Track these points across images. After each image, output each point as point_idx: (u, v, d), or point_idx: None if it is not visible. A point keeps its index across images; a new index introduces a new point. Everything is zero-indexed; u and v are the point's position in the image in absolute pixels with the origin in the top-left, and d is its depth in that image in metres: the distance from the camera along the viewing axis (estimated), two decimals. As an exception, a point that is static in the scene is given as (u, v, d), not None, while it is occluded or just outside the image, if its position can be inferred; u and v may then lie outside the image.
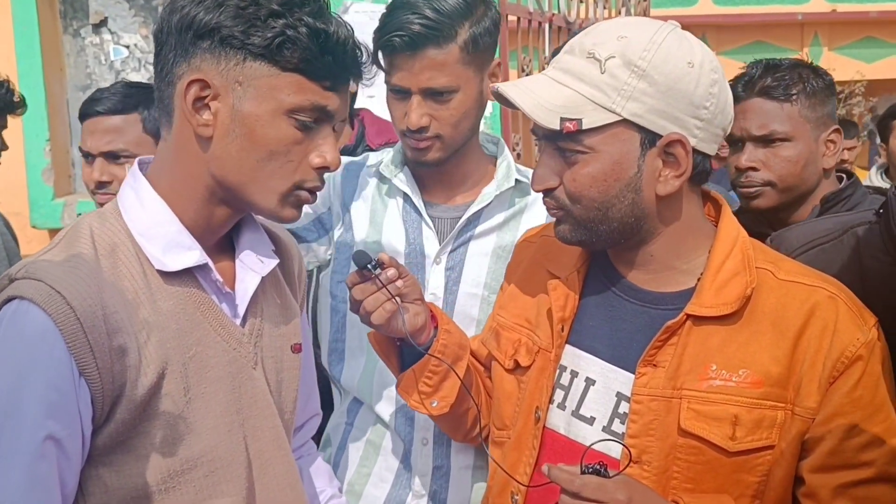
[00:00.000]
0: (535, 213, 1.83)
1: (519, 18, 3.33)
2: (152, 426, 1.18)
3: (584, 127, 1.25)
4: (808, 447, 1.30)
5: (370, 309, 1.46)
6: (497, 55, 1.80)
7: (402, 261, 1.79)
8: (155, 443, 1.19)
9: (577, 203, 1.31)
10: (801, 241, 1.65)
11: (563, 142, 1.28)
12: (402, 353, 1.60)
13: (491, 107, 3.25)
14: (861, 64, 10.54)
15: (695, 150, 1.30)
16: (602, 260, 1.43)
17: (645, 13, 4.68)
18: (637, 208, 1.31)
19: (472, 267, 1.79)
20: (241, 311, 1.30)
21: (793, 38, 10.48)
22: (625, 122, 1.26)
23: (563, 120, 1.25)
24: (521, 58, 3.32)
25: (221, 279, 1.27)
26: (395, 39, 1.64)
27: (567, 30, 3.78)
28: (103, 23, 3.99)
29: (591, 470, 1.22)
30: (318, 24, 1.17)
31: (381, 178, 1.85)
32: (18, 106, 2.83)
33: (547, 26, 3.48)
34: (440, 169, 1.79)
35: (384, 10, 1.72)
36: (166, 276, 1.22)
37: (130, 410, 1.16)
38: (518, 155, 3.39)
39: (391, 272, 1.47)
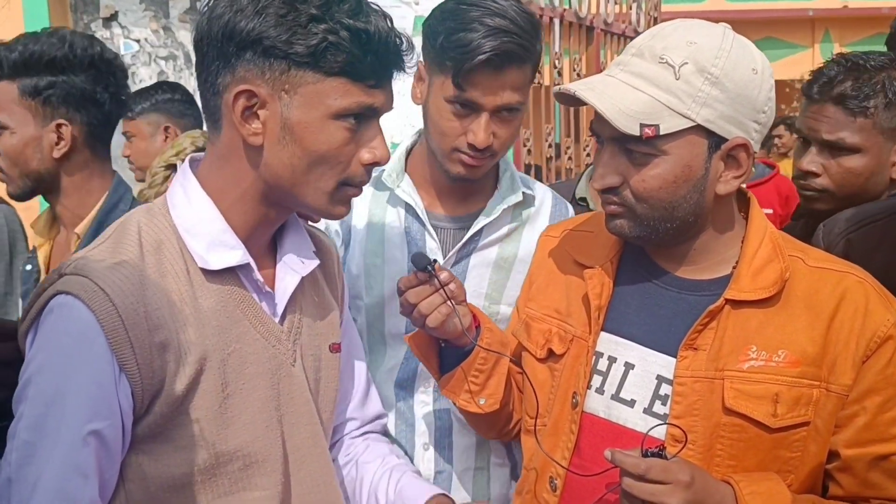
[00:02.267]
0: (538, 225, 1.82)
1: (530, 13, 3.33)
2: (190, 419, 1.21)
3: (661, 132, 1.30)
4: (842, 423, 1.36)
5: (426, 312, 1.48)
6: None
7: (404, 272, 1.76)
8: (192, 435, 1.21)
9: (644, 203, 1.36)
10: (853, 220, 1.69)
11: (634, 144, 1.33)
12: (442, 356, 1.62)
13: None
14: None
15: None
16: (635, 250, 1.48)
17: (656, 8, 4.67)
18: (699, 207, 1.37)
19: (474, 278, 1.78)
20: (280, 309, 1.32)
21: (804, 34, 10.46)
22: (697, 128, 1.31)
23: (642, 126, 1.29)
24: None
25: (262, 279, 1.29)
26: (485, 58, 1.59)
27: (578, 25, 3.77)
28: (114, 17, 3.99)
29: (652, 453, 1.27)
30: (358, 24, 1.18)
31: (378, 186, 1.81)
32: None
33: (558, 21, 3.47)
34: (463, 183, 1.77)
35: (446, 11, 1.67)
36: (209, 273, 1.24)
37: (169, 404, 1.19)
38: (529, 151, 3.39)
39: (444, 275, 1.49)
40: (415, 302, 1.48)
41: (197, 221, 1.25)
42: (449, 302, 1.48)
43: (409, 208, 1.80)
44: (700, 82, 1.30)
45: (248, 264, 1.27)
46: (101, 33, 4.00)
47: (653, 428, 1.33)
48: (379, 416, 1.61)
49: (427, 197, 1.81)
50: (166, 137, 3.15)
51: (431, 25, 1.69)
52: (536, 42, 1.67)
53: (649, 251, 1.47)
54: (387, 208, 1.81)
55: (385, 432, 1.64)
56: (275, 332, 1.30)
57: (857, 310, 1.35)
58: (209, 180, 1.28)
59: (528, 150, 3.34)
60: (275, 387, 1.29)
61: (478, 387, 1.58)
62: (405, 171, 1.82)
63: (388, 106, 1.27)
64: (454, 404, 1.64)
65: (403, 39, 1.25)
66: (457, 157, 1.69)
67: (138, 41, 4.00)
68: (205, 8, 1.22)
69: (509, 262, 1.80)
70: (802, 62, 9.87)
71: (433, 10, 1.72)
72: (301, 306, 1.36)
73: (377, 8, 1.23)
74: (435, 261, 1.49)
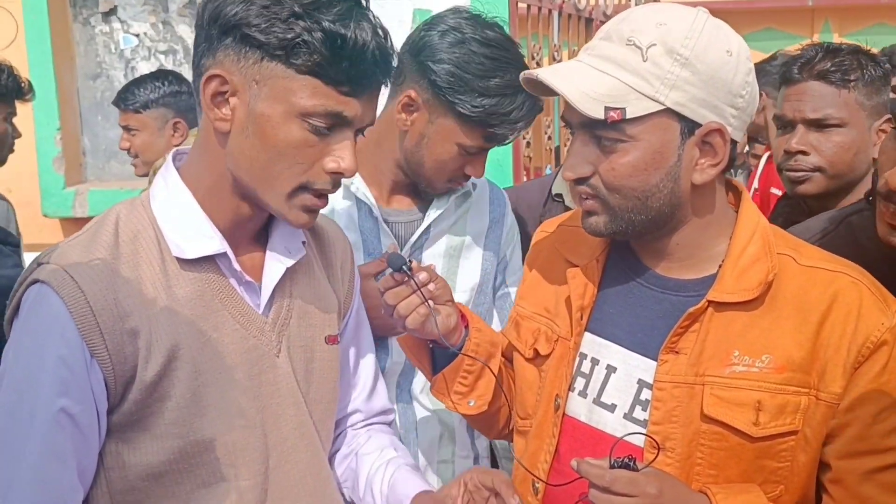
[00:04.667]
0: (479, 212, 1.88)
1: (529, 6, 3.32)
2: (164, 407, 1.22)
3: (627, 116, 1.24)
4: (833, 433, 1.29)
5: (404, 313, 1.45)
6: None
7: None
8: (167, 423, 1.22)
9: (616, 192, 1.29)
10: (804, 237, 1.64)
11: (602, 130, 1.27)
12: (434, 355, 1.59)
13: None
14: (873, 50, 10.47)
15: None
16: (622, 248, 1.42)
17: (655, 0, 4.66)
18: (674, 197, 1.30)
19: None
20: (264, 300, 1.31)
21: (803, 24, 10.42)
22: (667, 111, 1.25)
23: (607, 109, 1.23)
24: (531, 45, 3.32)
25: (240, 269, 1.28)
26: (522, 125, 1.70)
27: (577, 17, 3.77)
28: (113, 11, 3.99)
29: (620, 464, 1.21)
30: (335, 28, 1.16)
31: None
32: (26, 92, 2.83)
33: (556, 14, 3.47)
34: (389, 172, 1.81)
35: (461, 60, 1.67)
36: (185, 262, 1.25)
37: (142, 391, 1.20)
38: (528, 143, 3.39)
39: (423, 276, 1.46)
40: (393, 303, 1.46)
41: (174, 211, 1.26)
42: (428, 303, 1.46)
43: (361, 205, 1.80)
44: (669, 64, 1.23)
45: (225, 253, 1.27)
46: (100, 27, 4.00)
47: (624, 436, 1.28)
48: (385, 411, 1.60)
49: (376, 191, 1.82)
50: (175, 132, 3.15)
51: (445, 70, 1.66)
52: None
53: (635, 248, 1.41)
54: (342, 203, 1.81)
55: (392, 426, 1.63)
56: (256, 323, 1.30)
57: (849, 312, 1.27)
58: (190, 171, 1.29)
59: (528, 143, 3.34)
60: (255, 377, 1.29)
61: (466, 388, 1.55)
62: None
63: (366, 118, 1.25)
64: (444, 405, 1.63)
65: (391, 54, 1.24)
66: (449, 185, 1.78)
67: (138, 35, 4.00)
68: None
69: (458, 251, 1.83)
70: (802, 52, 9.82)
71: (436, 46, 1.68)
72: (291, 297, 1.35)
73: (374, 21, 1.22)
74: (411, 260, 1.46)
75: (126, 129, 3.17)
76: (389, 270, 1.46)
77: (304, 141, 1.21)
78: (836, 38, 10.31)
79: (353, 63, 1.18)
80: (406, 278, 1.45)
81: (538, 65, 3.36)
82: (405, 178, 1.80)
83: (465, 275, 1.82)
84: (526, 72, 1.33)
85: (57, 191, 3.99)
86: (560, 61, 3.76)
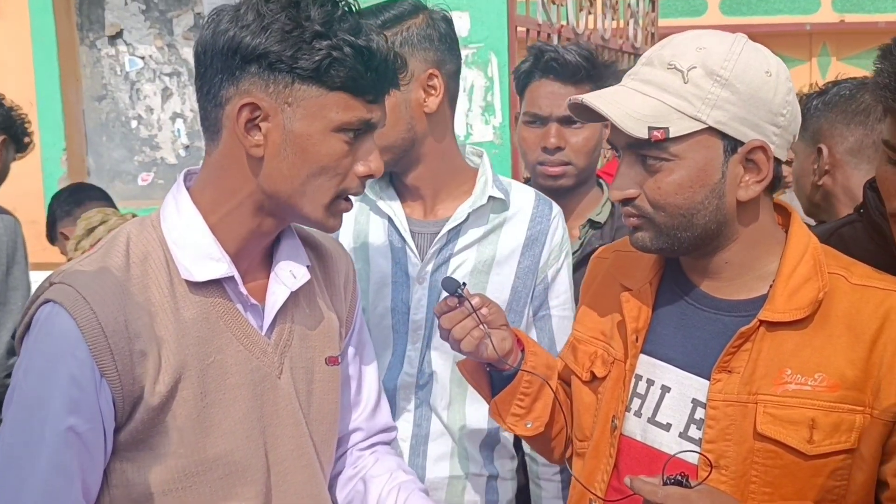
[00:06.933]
0: (515, 227, 1.84)
1: (528, 30, 3.37)
2: (170, 427, 1.24)
3: (671, 135, 1.28)
4: (889, 450, 1.30)
5: (459, 337, 1.47)
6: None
7: (388, 280, 1.81)
8: (172, 443, 1.24)
9: (662, 210, 1.33)
10: None
11: (647, 150, 1.31)
12: (492, 379, 1.61)
13: (500, 117, 3.28)
14: (868, 74, 10.53)
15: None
16: (675, 270, 1.45)
17: (653, 24, 4.72)
18: (720, 214, 1.33)
19: None
20: (268, 322, 1.34)
21: (801, 48, 10.50)
22: (709, 130, 1.29)
23: (651, 129, 1.28)
24: (531, 68, 3.36)
25: (246, 292, 1.30)
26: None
27: (576, 41, 3.82)
28: (119, 34, 4.04)
29: (672, 481, 1.23)
30: (360, 41, 1.22)
31: (363, 197, 1.83)
32: (25, 146, 2.98)
33: (556, 37, 3.52)
34: (421, 182, 1.81)
35: None
36: (193, 285, 1.27)
37: (149, 411, 1.22)
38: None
39: (476, 300, 1.48)
40: (448, 327, 1.48)
41: (184, 233, 1.28)
42: (482, 326, 1.47)
43: (389, 219, 1.82)
44: (709, 85, 1.27)
45: (232, 277, 1.28)
46: (106, 50, 4.05)
47: (677, 454, 1.31)
48: (387, 429, 1.61)
49: (407, 201, 1.84)
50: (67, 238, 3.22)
51: None
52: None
53: (684, 268, 1.44)
54: (371, 217, 1.84)
55: (393, 444, 1.64)
56: (259, 345, 1.32)
57: None
58: (203, 193, 1.30)
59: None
60: (258, 398, 1.31)
61: (524, 410, 1.57)
62: (389, 181, 1.85)
63: (384, 121, 1.32)
64: (502, 427, 1.63)
65: (399, 58, 1.30)
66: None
67: (143, 58, 4.04)
68: (209, 22, 1.25)
69: (487, 265, 1.81)
70: (800, 76, 9.90)
71: None
72: (293, 319, 1.37)
73: (374, 28, 1.28)
74: (464, 284, 1.48)
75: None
76: (445, 295, 1.48)
77: (342, 151, 1.26)
78: (833, 62, 10.39)
79: (377, 72, 1.24)
80: (460, 301, 1.47)
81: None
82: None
83: (493, 292, 1.81)
84: (572, 97, 1.37)
85: (62, 211, 4.02)
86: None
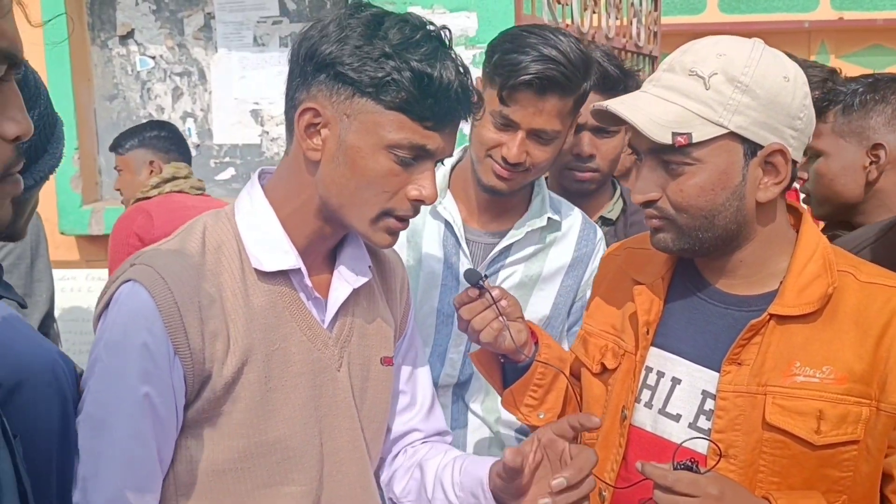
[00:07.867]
0: (563, 248, 1.90)
1: (534, 29, 3.42)
2: (234, 408, 1.29)
3: (694, 140, 1.32)
4: (894, 443, 1.34)
5: (479, 327, 1.51)
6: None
7: (438, 282, 1.86)
8: (235, 423, 1.30)
9: (684, 212, 1.37)
10: (846, 248, 1.67)
11: (669, 155, 1.35)
12: (505, 370, 1.66)
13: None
14: (868, 72, 10.57)
15: None
16: (687, 267, 1.49)
17: (656, 22, 4.77)
18: (740, 215, 1.37)
19: None
20: (330, 316, 1.39)
21: (800, 45, 10.53)
22: (730, 135, 1.33)
23: (674, 134, 1.32)
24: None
25: (311, 284, 1.36)
26: (528, 79, 1.69)
27: (581, 39, 3.86)
28: (130, 34, 4.07)
29: (682, 466, 1.27)
30: (424, 67, 1.24)
31: None
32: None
33: (561, 36, 3.56)
34: (497, 198, 1.84)
35: (509, 35, 1.77)
36: (262, 275, 1.33)
37: (216, 391, 1.28)
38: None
39: (496, 292, 1.51)
40: (468, 318, 1.51)
41: (257, 226, 1.34)
42: (501, 318, 1.51)
43: (447, 223, 1.87)
44: (730, 91, 1.31)
45: (299, 269, 1.34)
46: (117, 50, 4.09)
47: (686, 441, 1.35)
48: (442, 432, 1.63)
49: (465, 210, 1.89)
50: (151, 171, 3.34)
51: (493, 44, 1.78)
52: (584, 79, 1.74)
53: (699, 266, 1.47)
54: (427, 219, 1.89)
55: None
56: (321, 337, 1.37)
57: None
58: (276, 190, 1.37)
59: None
60: (317, 388, 1.36)
61: (536, 401, 1.61)
62: (448, 186, 1.91)
63: (447, 151, 1.32)
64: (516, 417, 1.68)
65: (472, 91, 1.31)
66: (489, 165, 1.78)
67: (154, 58, 4.08)
68: (304, 29, 1.31)
69: (532, 281, 1.86)
70: (799, 73, 9.93)
71: (500, 33, 1.80)
72: (354, 316, 1.42)
73: (456, 59, 1.29)
74: (486, 276, 1.51)
75: (117, 170, 3.49)
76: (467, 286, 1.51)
77: (389, 171, 1.28)
78: (832, 60, 10.43)
79: (437, 100, 1.26)
80: (481, 293, 1.50)
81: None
82: (484, 194, 1.85)
83: (535, 306, 1.85)
84: (596, 104, 1.41)
85: (74, 209, 4.04)
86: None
